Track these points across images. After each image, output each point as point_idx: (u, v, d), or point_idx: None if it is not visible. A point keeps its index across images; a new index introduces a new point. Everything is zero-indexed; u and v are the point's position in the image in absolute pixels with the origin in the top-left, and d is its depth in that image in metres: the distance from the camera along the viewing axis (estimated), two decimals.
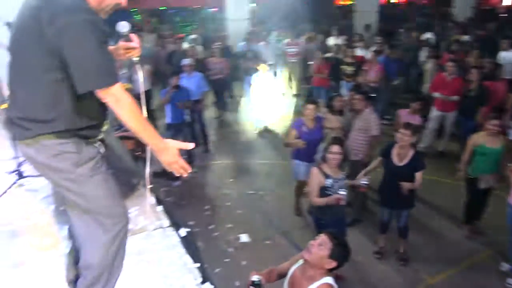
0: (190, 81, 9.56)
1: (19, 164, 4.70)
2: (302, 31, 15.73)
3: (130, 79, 8.77)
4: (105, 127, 2.73)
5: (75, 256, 2.97)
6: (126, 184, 3.16)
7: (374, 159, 6.43)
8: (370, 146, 6.98)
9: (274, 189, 8.37)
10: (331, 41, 14.79)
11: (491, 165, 6.32)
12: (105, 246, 2.65)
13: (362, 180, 5.66)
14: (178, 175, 2.64)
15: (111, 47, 2.76)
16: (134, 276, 3.36)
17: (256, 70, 11.07)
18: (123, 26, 2.68)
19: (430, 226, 7.11)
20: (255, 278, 3.16)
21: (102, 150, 2.69)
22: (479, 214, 6.81)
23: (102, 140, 2.73)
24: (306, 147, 6.78)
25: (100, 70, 2.31)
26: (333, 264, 3.18)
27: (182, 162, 2.60)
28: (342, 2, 25.11)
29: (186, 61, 9.97)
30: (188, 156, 8.95)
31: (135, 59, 2.84)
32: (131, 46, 2.82)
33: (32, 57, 2.35)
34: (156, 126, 9.75)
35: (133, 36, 2.78)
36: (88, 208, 2.59)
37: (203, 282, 3.38)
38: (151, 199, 4.28)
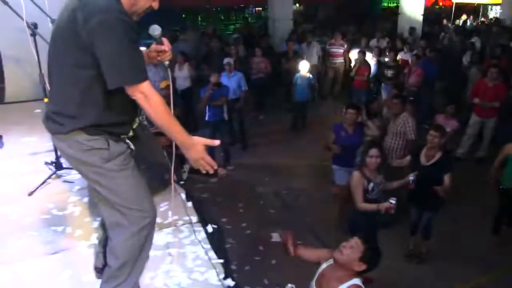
0: (231, 80, 9.69)
1: (58, 156, 4.86)
2: (345, 33, 15.73)
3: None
4: (135, 124, 2.82)
5: (104, 246, 3.10)
6: (158, 179, 3.25)
7: None
8: (407, 150, 6.94)
9: (309, 190, 8.40)
10: (374, 43, 14.70)
11: None
12: (131, 238, 2.75)
13: (411, 176, 5.65)
14: (204, 170, 2.70)
15: (143, 50, 2.86)
16: (159, 269, 3.48)
17: (298, 70, 11.12)
18: (155, 29, 2.76)
19: (465, 232, 7.00)
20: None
21: (132, 146, 2.78)
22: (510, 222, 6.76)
23: (133, 137, 2.83)
24: (344, 152, 6.83)
25: (129, 67, 2.41)
26: (363, 267, 3.20)
27: (208, 159, 2.67)
28: (387, 4, 24.90)
29: (227, 60, 10.10)
30: (225, 153, 9.07)
31: (166, 62, 2.92)
32: (162, 49, 2.89)
33: (67, 55, 2.46)
34: (196, 123, 10.06)
35: (165, 39, 2.86)
36: (116, 201, 2.68)
37: (225, 278, 3.45)
38: (181, 195, 4.40)
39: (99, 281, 3.13)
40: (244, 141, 10.33)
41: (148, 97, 2.45)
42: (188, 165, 7.36)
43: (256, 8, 23.61)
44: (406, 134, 7.04)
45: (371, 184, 5.42)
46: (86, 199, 4.32)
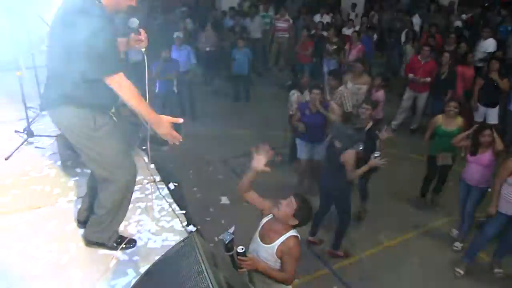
0: (180, 54, 10.11)
1: (29, 124, 5.29)
2: (290, 7, 16.15)
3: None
4: (118, 103, 3.37)
5: (89, 201, 3.68)
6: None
7: None
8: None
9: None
10: (318, 18, 15.23)
11: (448, 145, 6.82)
12: (116, 191, 3.36)
13: (376, 154, 5.95)
14: (171, 143, 3.23)
15: (123, 39, 3.46)
16: (131, 219, 4.05)
17: (241, 44, 11.60)
18: (133, 22, 3.31)
19: (395, 196, 7.82)
20: (239, 249, 3.48)
21: (115, 118, 3.33)
22: (439, 188, 7.53)
23: (115, 113, 3.37)
24: (308, 129, 7.17)
25: (106, 63, 2.93)
26: (296, 222, 3.69)
27: (174, 133, 3.20)
28: None
29: (177, 34, 10.49)
30: (174, 124, 9.49)
31: (143, 49, 3.49)
32: (139, 38, 3.47)
33: (61, 52, 2.96)
34: (145, 96, 10.43)
35: (142, 30, 3.42)
36: (104, 161, 3.26)
37: (188, 225, 4.06)
38: (144, 158, 4.95)
39: (81, 230, 3.70)
40: (193, 112, 10.75)
41: (121, 85, 2.99)
42: (141, 135, 7.85)
43: None
44: (343, 105, 7.68)
45: None
46: (59, 162, 4.82)
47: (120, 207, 3.48)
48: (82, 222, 3.78)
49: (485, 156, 6.10)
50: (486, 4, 18.84)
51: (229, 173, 8.38)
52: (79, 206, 3.92)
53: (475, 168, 6.22)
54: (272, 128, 9.53)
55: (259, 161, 3.71)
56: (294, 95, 8.14)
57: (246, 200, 3.97)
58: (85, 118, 3.13)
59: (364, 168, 5.81)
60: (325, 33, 13.20)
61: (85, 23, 2.83)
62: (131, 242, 3.73)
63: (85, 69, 2.91)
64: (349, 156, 5.74)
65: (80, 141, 3.22)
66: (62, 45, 2.94)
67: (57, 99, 3.11)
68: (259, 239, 3.82)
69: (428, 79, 9.71)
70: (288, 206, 3.66)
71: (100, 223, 3.48)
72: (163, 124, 3.15)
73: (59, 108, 3.14)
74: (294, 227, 3.75)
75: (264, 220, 3.91)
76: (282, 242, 3.68)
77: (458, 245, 6.64)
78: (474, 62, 10.51)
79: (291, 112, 8.10)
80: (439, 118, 7.07)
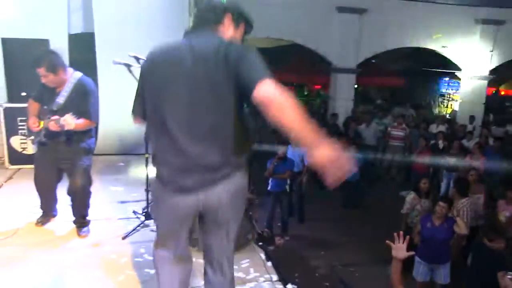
0: (294, 153, 10.02)
1: (147, 206, 5.36)
2: (404, 116, 15.99)
3: None
4: None
5: None
6: (242, 238, 3.55)
7: None
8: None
9: (363, 267, 8.43)
10: (434, 128, 14.94)
11: None
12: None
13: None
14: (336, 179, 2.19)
15: None
16: None
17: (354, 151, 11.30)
18: None
19: None
20: None
21: None
22: None
23: None
24: (427, 245, 6.56)
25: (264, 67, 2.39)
26: None
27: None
28: (445, 90, 25.01)
29: None
30: (283, 224, 9.31)
31: None
32: None
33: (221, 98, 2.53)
34: (253, 190, 10.37)
35: None
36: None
37: None
38: (261, 254, 4.72)
39: None
40: (302, 213, 10.53)
41: (279, 90, 2.30)
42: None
43: (315, 86, 24.16)
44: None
45: None
46: None
47: None
48: None
49: None
50: None
51: (336, 282, 7.92)
52: None
53: None
54: (381, 238, 9.04)
55: (400, 249, 3.67)
56: (411, 195, 8.05)
57: None
58: (246, 181, 2.87)
59: None
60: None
61: (235, 46, 2.49)
62: None
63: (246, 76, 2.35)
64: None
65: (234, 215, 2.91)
66: (220, 90, 2.49)
67: (228, 167, 2.66)
68: None
69: None
70: None
71: None
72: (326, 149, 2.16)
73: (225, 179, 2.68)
74: None
75: None
76: None
77: None
78: None
79: (402, 211, 8.07)
80: None
